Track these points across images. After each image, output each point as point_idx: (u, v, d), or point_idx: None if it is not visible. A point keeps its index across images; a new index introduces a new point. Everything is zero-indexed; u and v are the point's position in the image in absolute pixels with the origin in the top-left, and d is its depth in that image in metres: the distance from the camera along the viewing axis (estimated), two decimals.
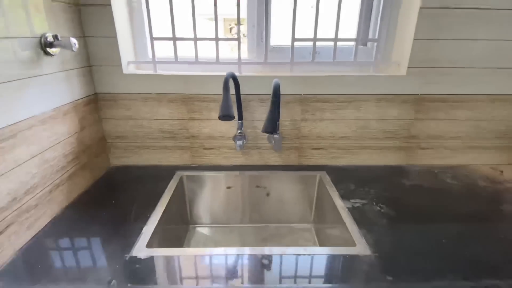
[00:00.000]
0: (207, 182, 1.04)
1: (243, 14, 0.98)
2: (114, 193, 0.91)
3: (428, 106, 1.02)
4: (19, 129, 0.66)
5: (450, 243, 0.69)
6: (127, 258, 0.63)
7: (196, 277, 0.59)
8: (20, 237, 0.67)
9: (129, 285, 0.56)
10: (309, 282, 0.58)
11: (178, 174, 1.02)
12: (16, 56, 0.66)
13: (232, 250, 0.66)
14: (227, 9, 0.99)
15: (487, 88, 1.00)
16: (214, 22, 0.96)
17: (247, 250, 0.66)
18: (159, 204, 0.85)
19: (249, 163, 1.09)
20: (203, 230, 1.07)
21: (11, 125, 0.64)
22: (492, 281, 0.58)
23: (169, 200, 0.88)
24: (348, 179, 0.99)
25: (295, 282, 0.58)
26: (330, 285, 0.57)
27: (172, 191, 0.93)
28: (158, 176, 1.00)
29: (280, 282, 0.58)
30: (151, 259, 0.63)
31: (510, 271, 0.61)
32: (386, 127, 1.05)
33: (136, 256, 0.64)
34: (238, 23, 0.95)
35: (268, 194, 1.06)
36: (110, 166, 1.07)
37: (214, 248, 0.68)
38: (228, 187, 1.04)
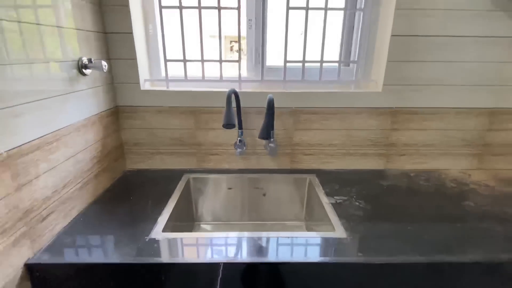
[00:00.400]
0: (211, 183, 1.18)
1: (243, 32, 1.15)
2: (131, 192, 1.05)
3: (403, 117, 1.18)
4: (62, 134, 0.82)
5: (414, 230, 0.83)
6: (147, 240, 0.77)
7: (200, 253, 0.73)
8: (58, 223, 0.81)
9: (150, 258, 0.70)
10: (305, 255, 0.72)
11: (186, 176, 1.17)
12: (60, 76, 0.82)
13: (233, 234, 0.81)
14: (229, 27, 1.15)
15: (453, 102, 1.16)
16: (215, 38, 1.13)
17: (246, 234, 0.80)
18: (169, 201, 0.99)
19: (248, 167, 1.24)
20: (206, 226, 1.21)
21: (56, 131, 0.80)
22: (443, 257, 0.72)
23: (178, 198, 1.03)
24: (334, 180, 1.14)
25: (291, 255, 0.72)
26: (318, 258, 0.71)
27: (181, 191, 1.07)
28: (169, 178, 1.15)
29: (277, 255, 0.72)
30: (166, 240, 0.77)
31: (459, 250, 0.75)
32: (368, 136, 1.21)
33: (154, 238, 0.78)
34: (239, 47, 1.13)
35: (264, 195, 1.20)
36: (126, 170, 1.22)
37: (218, 232, 0.82)
38: (229, 188, 1.19)
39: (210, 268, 0.70)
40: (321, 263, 0.70)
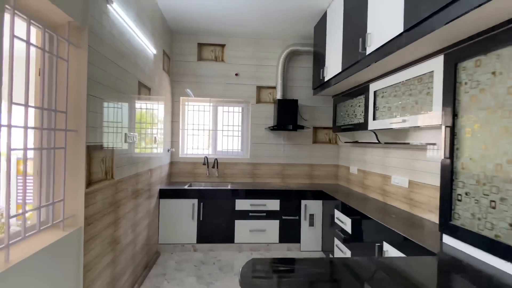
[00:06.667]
0: (198, 184, 3.80)
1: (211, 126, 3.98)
2: (175, 183, 3.66)
3: (257, 165, 3.93)
4: (161, 165, 3.50)
5: (258, 186, 3.48)
6: (188, 185, 3.38)
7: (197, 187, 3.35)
8: (162, 183, 3.40)
9: (190, 187, 3.31)
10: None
11: (190, 183, 3.79)
12: (163, 152, 3.55)
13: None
14: (207, 123, 3.99)
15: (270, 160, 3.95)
16: (203, 131, 3.94)
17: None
18: (192, 183, 3.60)
19: (210, 181, 3.88)
20: None
21: (161, 164, 3.48)
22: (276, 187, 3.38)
23: (189, 184, 3.64)
24: (237, 185, 3.79)
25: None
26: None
27: (189, 185, 3.69)
28: (185, 183, 3.76)
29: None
30: (194, 186, 3.39)
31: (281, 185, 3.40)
32: (246, 172, 3.92)
33: (191, 186, 3.39)
34: (209, 142, 3.94)
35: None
36: (171, 181, 3.84)
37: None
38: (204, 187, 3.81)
39: (199, 190, 3.31)
40: (232, 190, 3.34)
